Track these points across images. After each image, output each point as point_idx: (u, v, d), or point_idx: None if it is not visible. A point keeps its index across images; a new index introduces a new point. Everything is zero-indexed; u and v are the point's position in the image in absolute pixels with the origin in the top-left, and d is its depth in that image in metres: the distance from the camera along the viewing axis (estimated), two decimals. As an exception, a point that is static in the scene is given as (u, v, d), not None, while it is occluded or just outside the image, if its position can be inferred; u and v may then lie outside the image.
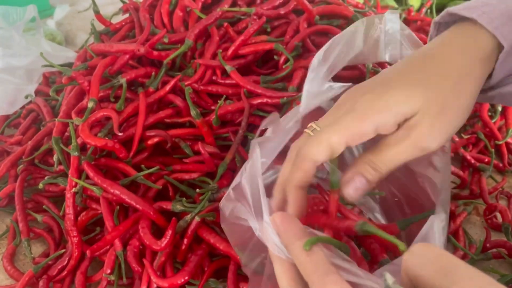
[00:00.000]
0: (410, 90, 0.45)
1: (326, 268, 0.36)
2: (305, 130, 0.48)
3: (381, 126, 0.45)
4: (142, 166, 0.70)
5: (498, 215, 0.77)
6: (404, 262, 0.33)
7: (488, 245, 0.72)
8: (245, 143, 0.77)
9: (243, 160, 0.73)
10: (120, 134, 0.70)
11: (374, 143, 0.47)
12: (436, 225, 0.44)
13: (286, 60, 0.76)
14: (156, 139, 0.73)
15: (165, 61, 0.77)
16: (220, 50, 0.76)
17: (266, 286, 0.47)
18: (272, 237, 0.41)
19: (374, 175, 0.46)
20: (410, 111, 0.44)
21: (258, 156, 0.48)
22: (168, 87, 0.76)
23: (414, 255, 0.33)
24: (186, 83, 0.75)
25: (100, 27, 0.96)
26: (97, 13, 0.93)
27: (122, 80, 0.74)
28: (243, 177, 0.48)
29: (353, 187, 0.46)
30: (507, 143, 0.90)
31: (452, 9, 0.50)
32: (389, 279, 0.32)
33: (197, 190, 0.68)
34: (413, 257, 0.33)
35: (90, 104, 0.70)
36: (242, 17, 0.84)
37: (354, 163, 0.47)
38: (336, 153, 0.45)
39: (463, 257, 0.69)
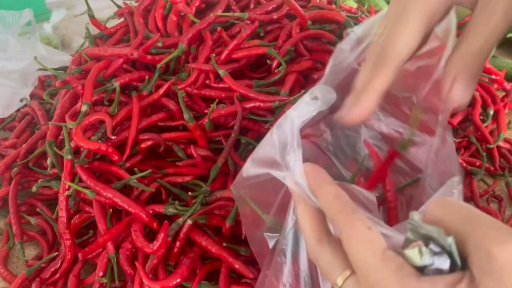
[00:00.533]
0: None
1: (353, 207, 0.37)
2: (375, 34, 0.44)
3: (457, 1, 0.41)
4: (135, 169, 0.71)
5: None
6: (428, 210, 0.34)
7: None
8: (237, 147, 0.77)
9: (236, 163, 0.74)
10: (113, 137, 0.70)
11: None
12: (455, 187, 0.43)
13: (279, 65, 0.77)
14: (149, 143, 0.73)
15: (158, 65, 0.78)
16: (213, 55, 0.77)
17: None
18: (300, 181, 0.42)
19: (472, 72, 0.42)
20: None
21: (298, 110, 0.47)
22: (161, 91, 0.76)
23: (437, 204, 0.33)
24: (179, 87, 0.76)
25: (95, 31, 0.96)
26: (91, 17, 0.94)
27: (116, 84, 0.75)
28: (274, 129, 0.48)
29: (458, 91, 0.42)
30: (498, 147, 0.91)
31: None
32: (416, 215, 0.32)
33: (190, 193, 0.69)
34: (436, 206, 0.33)
35: (84, 108, 0.71)
36: (236, 21, 0.84)
37: (449, 60, 0.42)
38: (418, 41, 0.42)
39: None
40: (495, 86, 0.99)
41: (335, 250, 0.38)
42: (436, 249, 0.31)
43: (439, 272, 0.31)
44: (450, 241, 0.31)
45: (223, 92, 0.76)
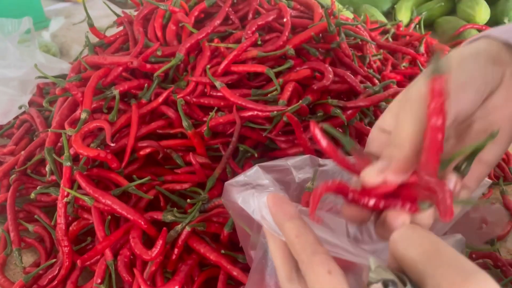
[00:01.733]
0: None
1: (314, 248, 0.37)
2: None
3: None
4: (134, 176, 0.71)
5: (484, 226, 0.79)
6: (391, 243, 0.34)
7: (474, 255, 0.74)
8: (236, 154, 0.78)
9: (234, 171, 0.75)
10: (112, 144, 0.71)
11: None
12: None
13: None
14: (148, 150, 0.74)
15: (155, 74, 0.79)
16: (208, 66, 0.77)
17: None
18: (266, 216, 0.43)
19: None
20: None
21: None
22: (160, 99, 0.77)
23: (400, 236, 0.34)
24: (178, 95, 0.77)
25: (94, 39, 0.97)
26: (91, 26, 0.94)
27: (115, 91, 0.76)
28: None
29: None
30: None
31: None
32: (373, 263, 0.33)
33: (188, 200, 0.69)
34: (399, 239, 0.33)
35: (83, 115, 0.71)
36: (234, 31, 0.85)
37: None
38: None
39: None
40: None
41: None
42: None
43: None
44: None
45: (221, 100, 0.77)
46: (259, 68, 0.77)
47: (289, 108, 0.71)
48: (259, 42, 0.80)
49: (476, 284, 0.28)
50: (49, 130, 0.76)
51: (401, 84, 0.94)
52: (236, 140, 0.73)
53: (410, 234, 0.33)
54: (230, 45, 0.81)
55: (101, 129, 0.74)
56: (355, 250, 0.38)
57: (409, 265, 0.32)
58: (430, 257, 0.31)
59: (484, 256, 0.73)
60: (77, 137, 0.69)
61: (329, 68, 0.78)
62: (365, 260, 0.37)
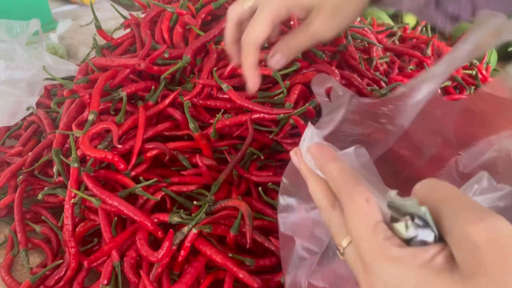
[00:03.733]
0: None
1: (355, 181, 0.39)
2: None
3: (291, 10, 0.60)
4: (141, 178, 0.71)
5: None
6: (414, 190, 0.36)
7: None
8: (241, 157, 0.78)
9: (240, 175, 0.75)
10: (119, 146, 0.71)
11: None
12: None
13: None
14: (154, 152, 0.74)
15: (162, 76, 0.79)
16: (215, 69, 0.78)
17: None
18: (308, 161, 0.45)
19: (288, 53, 0.64)
20: (307, 5, 0.59)
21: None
22: (167, 101, 0.77)
23: (422, 185, 0.35)
24: (185, 97, 0.77)
25: (102, 41, 0.98)
26: (99, 28, 0.95)
27: (123, 93, 0.76)
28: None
29: (275, 60, 0.64)
30: None
31: None
32: (392, 192, 0.35)
33: (195, 202, 0.69)
34: (421, 186, 0.35)
35: (91, 117, 0.71)
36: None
37: (277, 42, 0.64)
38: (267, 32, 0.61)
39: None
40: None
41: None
42: (420, 223, 0.33)
43: (423, 244, 0.33)
44: (423, 210, 0.33)
45: (228, 102, 0.77)
46: (265, 71, 0.77)
47: (296, 111, 0.71)
48: (266, 45, 0.80)
49: (492, 220, 0.30)
50: (56, 131, 0.76)
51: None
52: (246, 149, 0.74)
53: (432, 184, 0.35)
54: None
55: (108, 131, 0.74)
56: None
57: (430, 207, 0.33)
58: (450, 201, 0.33)
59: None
60: (84, 138, 0.69)
61: (336, 71, 0.78)
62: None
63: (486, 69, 1.07)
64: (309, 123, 0.47)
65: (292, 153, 0.49)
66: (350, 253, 0.38)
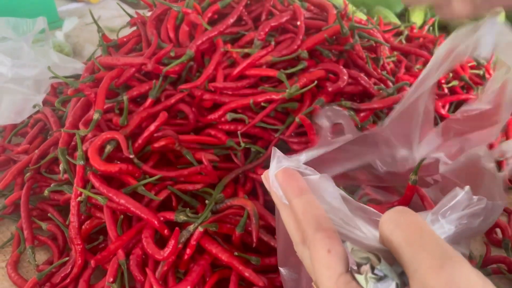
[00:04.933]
0: None
1: (318, 225, 0.38)
2: None
3: None
4: (146, 176, 0.71)
5: (498, 231, 0.78)
6: (380, 224, 0.36)
7: (488, 260, 0.73)
8: (247, 156, 0.78)
9: (245, 175, 0.75)
10: (131, 156, 0.70)
11: None
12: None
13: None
14: (162, 142, 0.73)
15: (164, 70, 0.78)
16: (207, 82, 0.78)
17: None
18: (276, 190, 0.44)
19: None
20: None
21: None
22: (173, 100, 0.77)
23: (388, 219, 0.35)
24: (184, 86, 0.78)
25: (107, 39, 0.98)
26: (102, 33, 0.95)
27: (125, 97, 0.75)
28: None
29: None
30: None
31: None
32: (348, 245, 0.35)
33: (207, 201, 0.69)
34: (387, 221, 0.35)
35: (96, 116, 0.71)
36: (246, 32, 0.85)
37: None
38: None
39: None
40: (504, 99, 0.99)
41: None
42: (380, 273, 0.33)
43: None
44: (380, 267, 0.33)
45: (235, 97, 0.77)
46: (271, 72, 0.77)
47: (306, 87, 0.71)
48: (273, 42, 0.80)
49: (452, 268, 0.30)
50: (62, 130, 0.76)
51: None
52: (248, 168, 0.75)
53: (398, 218, 0.35)
54: (246, 50, 0.80)
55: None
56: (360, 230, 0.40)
57: (394, 247, 0.34)
58: (413, 242, 0.32)
59: (498, 261, 0.72)
60: (93, 155, 0.67)
61: (344, 70, 0.78)
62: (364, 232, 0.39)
63: (494, 69, 1.07)
64: (273, 148, 0.46)
65: (262, 177, 0.47)
66: None
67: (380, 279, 0.33)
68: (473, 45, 0.62)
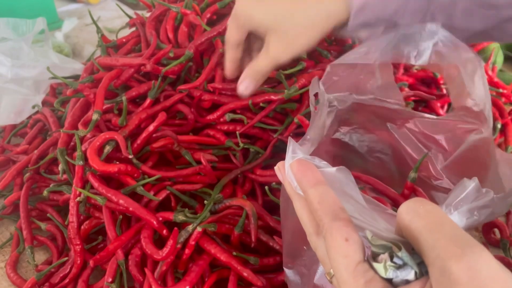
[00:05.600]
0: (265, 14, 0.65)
1: (335, 214, 0.38)
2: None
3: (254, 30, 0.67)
4: (145, 176, 0.72)
5: (497, 231, 0.78)
6: (398, 214, 0.35)
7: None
8: (246, 156, 0.78)
9: (244, 175, 0.75)
10: (131, 156, 0.70)
11: None
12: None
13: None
14: (161, 142, 0.73)
15: (163, 70, 0.78)
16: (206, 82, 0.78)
17: None
18: (291, 181, 0.44)
19: (255, 77, 0.69)
20: (263, 28, 0.66)
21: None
22: (172, 101, 0.77)
23: (407, 208, 0.35)
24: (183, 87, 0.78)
25: (107, 40, 0.98)
26: (101, 35, 0.95)
27: (124, 98, 0.75)
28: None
29: (244, 86, 0.70)
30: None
31: None
32: (368, 234, 0.35)
33: (205, 201, 0.69)
34: (405, 211, 0.35)
35: (95, 116, 0.71)
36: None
37: (245, 69, 0.70)
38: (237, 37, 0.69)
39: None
40: (503, 99, 0.99)
41: None
42: (400, 262, 0.33)
43: (406, 282, 0.33)
44: (401, 254, 0.33)
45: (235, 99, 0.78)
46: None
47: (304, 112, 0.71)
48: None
49: (473, 255, 0.30)
50: (61, 130, 0.76)
51: (413, 87, 0.93)
52: (247, 168, 0.75)
53: (417, 207, 0.35)
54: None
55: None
56: (373, 224, 0.40)
57: (414, 235, 0.34)
58: (433, 229, 0.33)
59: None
60: (92, 155, 0.67)
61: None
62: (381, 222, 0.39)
63: (492, 70, 1.07)
64: (290, 138, 0.46)
65: (276, 169, 0.47)
66: (336, 283, 0.38)
67: (399, 267, 0.33)
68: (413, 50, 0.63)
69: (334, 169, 0.43)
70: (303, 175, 0.43)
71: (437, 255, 0.31)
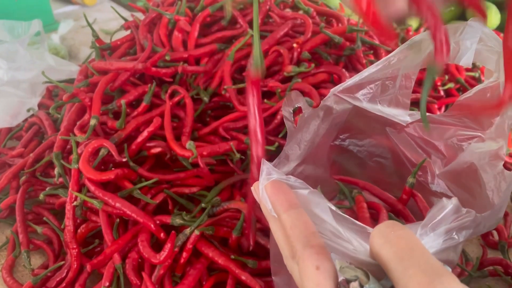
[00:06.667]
0: None
1: (306, 240, 0.38)
2: None
3: None
4: (142, 179, 0.71)
5: (495, 233, 0.78)
6: (371, 238, 0.35)
7: (484, 262, 0.73)
8: (244, 159, 0.78)
9: (242, 179, 0.75)
10: (124, 160, 0.70)
11: None
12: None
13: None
14: (158, 149, 0.73)
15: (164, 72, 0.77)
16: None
17: None
18: (265, 203, 0.44)
19: None
20: None
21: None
22: (170, 103, 0.77)
23: (378, 233, 0.35)
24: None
25: (101, 43, 0.97)
26: (96, 38, 0.95)
27: (122, 102, 0.75)
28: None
29: None
30: (505, 163, 0.90)
31: None
32: (337, 264, 0.35)
33: (202, 204, 0.69)
34: (377, 235, 0.35)
35: (93, 122, 0.71)
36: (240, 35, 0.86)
37: None
38: None
39: (460, 274, 0.70)
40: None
41: None
42: None
43: None
44: (369, 286, 0.33)
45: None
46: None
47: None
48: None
49: (441, 284, 0.30)
50: (59, 136, 0.75)
51: (412, 89, 0.93)
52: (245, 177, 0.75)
53: (388, 232, 0.34)
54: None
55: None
56: (349, 239, 0.39)
57: (383, 262, 0.34)
58: (403, 257, 0.32)
59: (495, 263, 0.73)
60: (86, 167, 0.67)
61: (346, 73, 0.79)
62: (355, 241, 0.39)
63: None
64: (263, 160, 0.46)
65: (252, 189, 0.47)
66: None
67: None
68: (452, 49, 0.60)
69: (306, 191, 0.43)
70: (276, 198, 0.42)
71: (405, 285, 0.31)
